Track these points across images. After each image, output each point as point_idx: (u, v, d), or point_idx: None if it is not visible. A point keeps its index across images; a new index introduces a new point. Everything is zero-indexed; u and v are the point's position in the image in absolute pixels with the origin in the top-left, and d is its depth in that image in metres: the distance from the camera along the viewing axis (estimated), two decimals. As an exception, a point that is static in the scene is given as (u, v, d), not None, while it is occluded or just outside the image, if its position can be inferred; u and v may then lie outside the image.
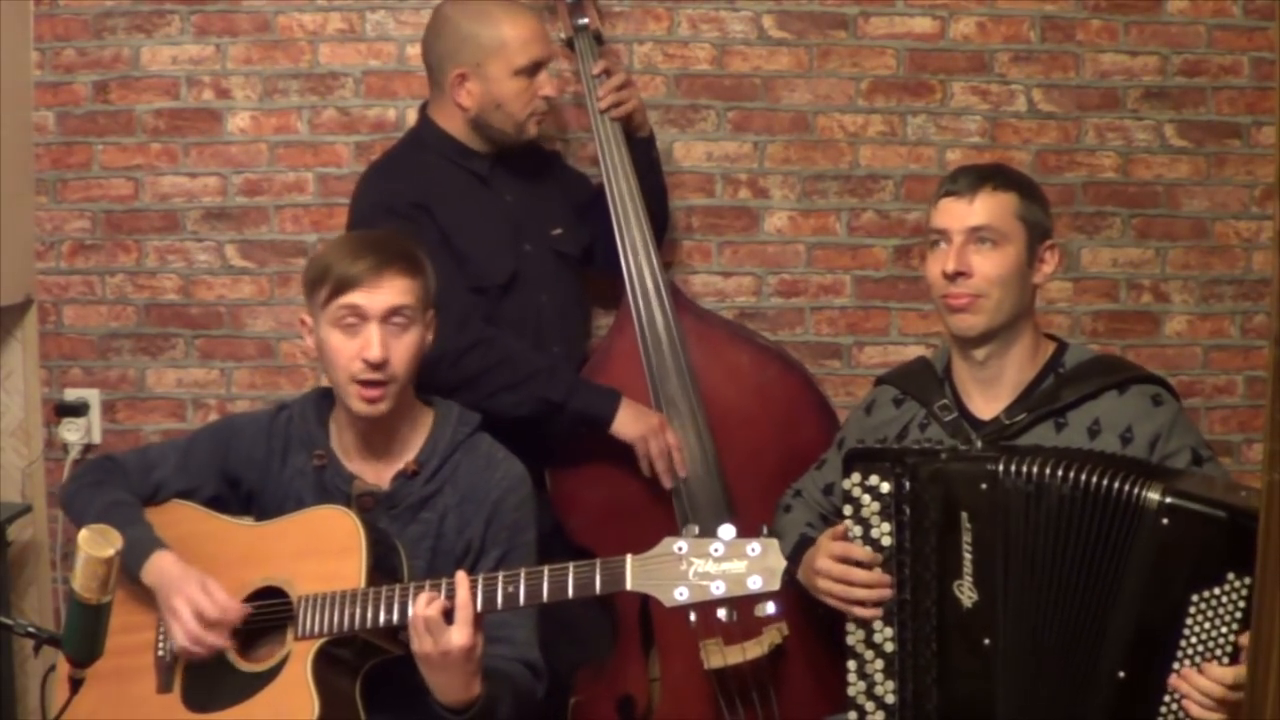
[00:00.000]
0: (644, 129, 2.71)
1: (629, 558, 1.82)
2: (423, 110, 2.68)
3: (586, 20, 2.70)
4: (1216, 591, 1.82)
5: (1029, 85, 3.01)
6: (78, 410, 3.02)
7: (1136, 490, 1.88)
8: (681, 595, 1.78)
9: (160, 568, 2.03)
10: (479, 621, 1.89)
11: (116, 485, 2.16)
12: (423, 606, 1.88)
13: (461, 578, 1.89)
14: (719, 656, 2.51)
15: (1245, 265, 3.06)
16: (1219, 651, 1.82)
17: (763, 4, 2.98)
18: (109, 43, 2.99)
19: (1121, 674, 1.88)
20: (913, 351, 2.93)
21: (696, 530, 1.81)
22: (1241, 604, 1.80)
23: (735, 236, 3.04)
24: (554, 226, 2.69)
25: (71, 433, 3.01)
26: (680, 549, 1.79)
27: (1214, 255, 3.06)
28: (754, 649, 2.51)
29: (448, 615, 1.88)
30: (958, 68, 3.01)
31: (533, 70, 2.55)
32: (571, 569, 1.86)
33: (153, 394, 3.06)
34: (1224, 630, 1.82)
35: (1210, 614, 1.82)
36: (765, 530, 1.81)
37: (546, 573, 1.88)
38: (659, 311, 2.58)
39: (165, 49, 2.99)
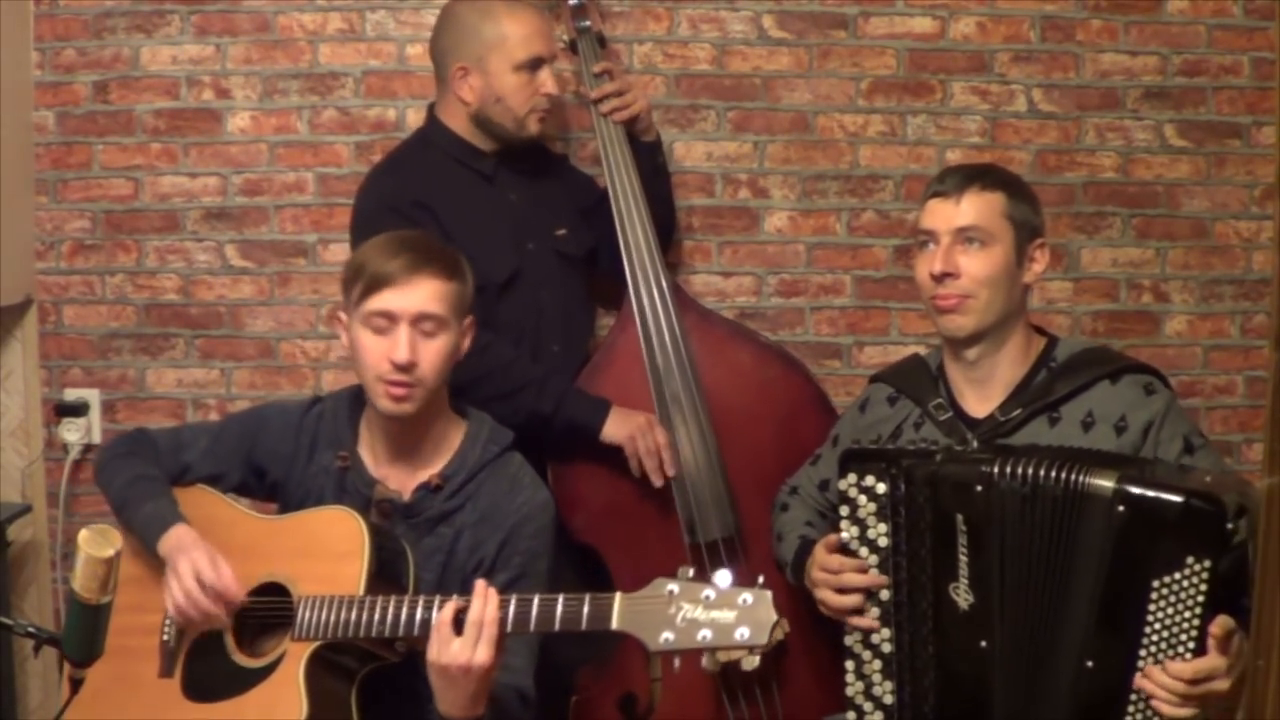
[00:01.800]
0: (649, 133, 2.71)
1: (617, 596, 1.78)
2: (429, 110, 2.68)
3: (589, 23, 2.70)
4: (1177, 576, 1.81)
5: (1029, 85, 3.02)
6: (78, 410, 3.02)
7: (1092, 480, 1.89)
8: (667, 641, 1.74)
9: (176, 537, 2.03)
10: (502, 642, 1.86)
11: (146, 459, 2.16)
12: (452, 613, 1.85)
13: (492, 595, 1.86)
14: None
15: (1245, 265, 3.07)
16: (1184, 637, 1.82)
17: (763, 4, 2.98)
18: (109, 43, 2.99)
19: (1090, 663, 1.88)
20: (912, 351, 2.93)
21: (691, 573, 1.80)
22: (1203, 588, 1.80)
23: (735, 236, 3.04)
24: (558, 227, 2.69)
25: (71, 433, 3.01)
26: (671, 591, 1.75)
27: (1214, 255, 3.06)
28: (756, 646, 2.51)
29: (459, 626, 1.85)
30: (958, 68, 3.01)
31: (533, 66, 2.56)
32: (560, 601, 1.83)
33: (153, 394, 3.06)
34: (1187, 615, 1.82)
35: (1173, 599, 1.82)
36: (761, 581, 1.77)
37: (536, 601, 1.85)
38: (662, 310, 2.58)
39: (165, 49, 2.99)
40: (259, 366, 3.05)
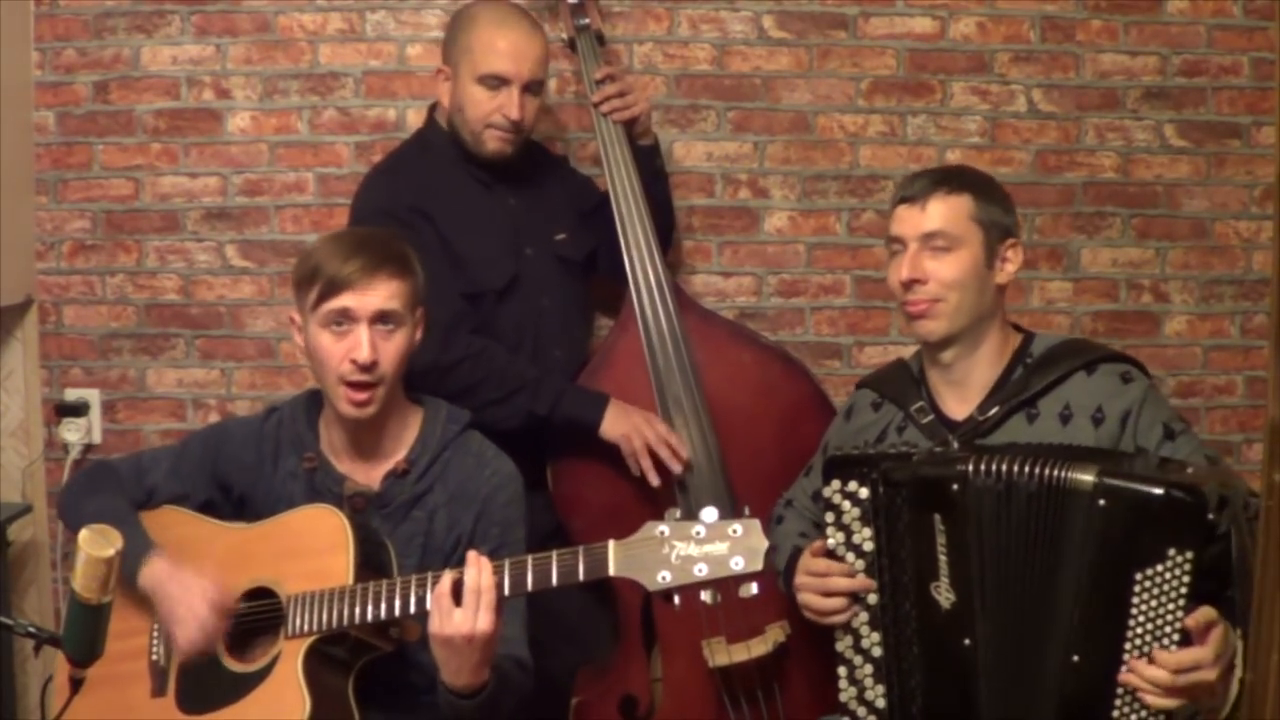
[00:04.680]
0: (647, 136, 2.70)
1: (611, 543, 1.81)
2: (430, 111, 2.68)
3: (588, 20, 2.69)
4: (1159, 568, 1.81)
5: (1029, 85, 3.02)
6: (78, 410, 3.02)
7: (1073, 474, 1.88)
8: (664, 579, 1.77)
9: (155, 575, 2.03)
10: (501, 607, 1.88)
11: (110, 490, 2.16)
12: (450, 584, 1.86)
13: (486, 564, 1.88)
14: (723, 655, 2.50)
15: (1245, 265, 3.07)
16: (1168, 629, 1.82)
17: (763, 4, 2.98)
18: (109, 43, 2.99)
19: (1075, 658, 1.88)
20: (913, 351, 2.93)
21: (679, 514, 1.81)
22: (1186, 579, 1.80)
23: (735, 236, 3.04)
24: (557, 231, 2.68)
25: (71, 433, 3.01)
26: (662, 532, 1.79)
27: (1214, 255, 3.06)
28: (758, 647, 2.50)
29: (458, 597, 1.86)
30: (958, 68, 3.01)
31: (494, 83, 2.50)
32: (555, 556, 1.86)
33: (153, 394, 3.07)
34: (1170, 607, 1.82)
35: (1155, 591, 1.82)
36: (748, 511, 1.81)
37: (530, 561, 1.87)
38: (662, 310, 2.58)
39: (165, 49, 2.99)
40: (259, 366, 3.06)
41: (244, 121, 3.01)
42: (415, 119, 2.89)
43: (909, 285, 2.10)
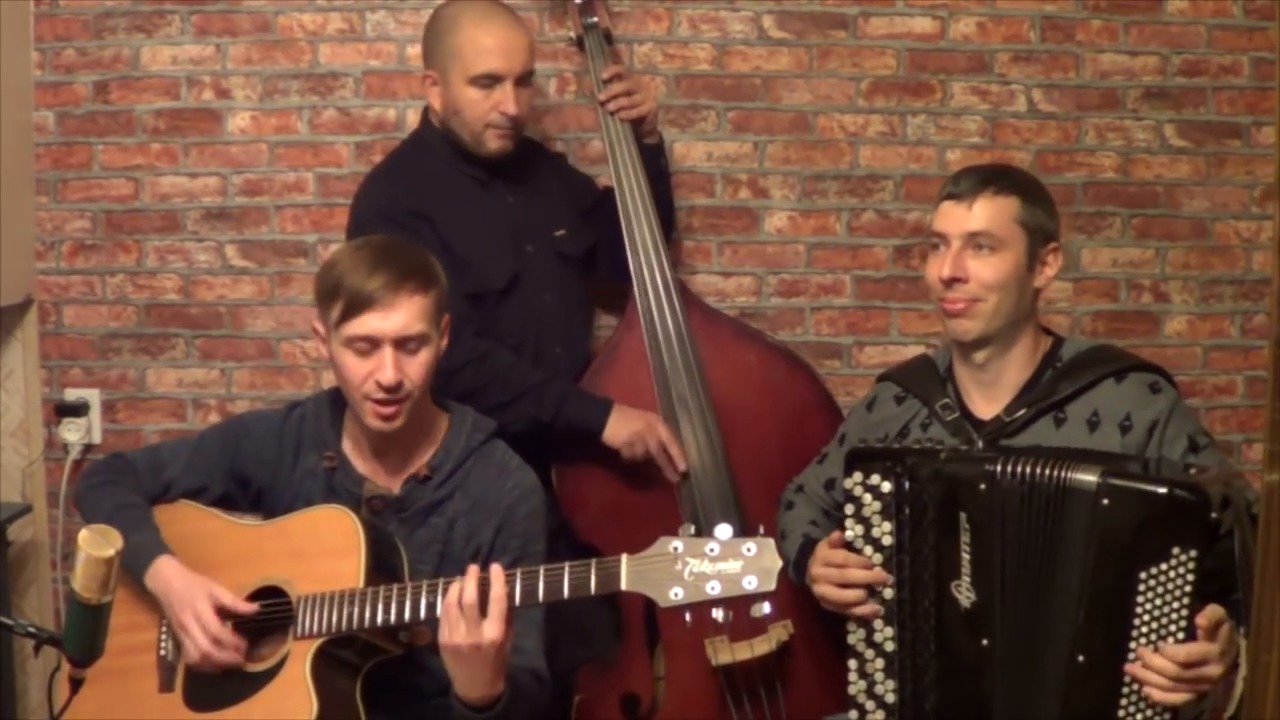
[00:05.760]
0: (653, 135, 2.70)
1: (624, 558, 1.81)
2: (425, 112, 2.67)
3: (596, 19, 2.67)
4: (1164, 567, 1.82)
5: (1029, 85, 3.02)
6: (78, 410, 3.02)
7: (1077, 475, 1.89)
8: (677, 595, 1.78)
9: (164, 576, 2.03)
10: (511, 617, 1.87)
11: (126, 485, 2.16)
12: (457, 595, 1.86)
13: (497, 572, 1.87)
14: (726, 654, 2.51)
15: (1245, 265, 3.07)
16: (1173, 627, 1.83)
17: (763, 4, 2.98)
18: (109, 43, 2.99)
19: (1081, 658, 1.89)
20: (913, 351, 2.94)
21: (693, 530, 1.81)
22: (1190, 578, 1.81)
23: (735, 236, 3.04)
24: (557, 228, 2.68)
25: (71, 433, 3.01)
26: (676, 549, 1.79)
27: (1214, 255, 3.06)
28: (761, 646, 2.51)
29: (480, 608, 1.86)
30: (958, 68, 3.01)
31: (488, 82, 2.50)
32: (567, 569, 1.86)
33: (153, 394, 3.06)
34: (1175, 606, 1.82)
35: (1160, 590, 1.83)
36: (762, 531, 1.81)
37: (542, 573, 1.87)
38: (668, 309, 2.58)
39: (165, 49, 2.99)
40: (259, 366, 3.05)
41: (244, 121, 3.01)
42: (415, 119, 2.89)
43: (949, 283, 2.09)
